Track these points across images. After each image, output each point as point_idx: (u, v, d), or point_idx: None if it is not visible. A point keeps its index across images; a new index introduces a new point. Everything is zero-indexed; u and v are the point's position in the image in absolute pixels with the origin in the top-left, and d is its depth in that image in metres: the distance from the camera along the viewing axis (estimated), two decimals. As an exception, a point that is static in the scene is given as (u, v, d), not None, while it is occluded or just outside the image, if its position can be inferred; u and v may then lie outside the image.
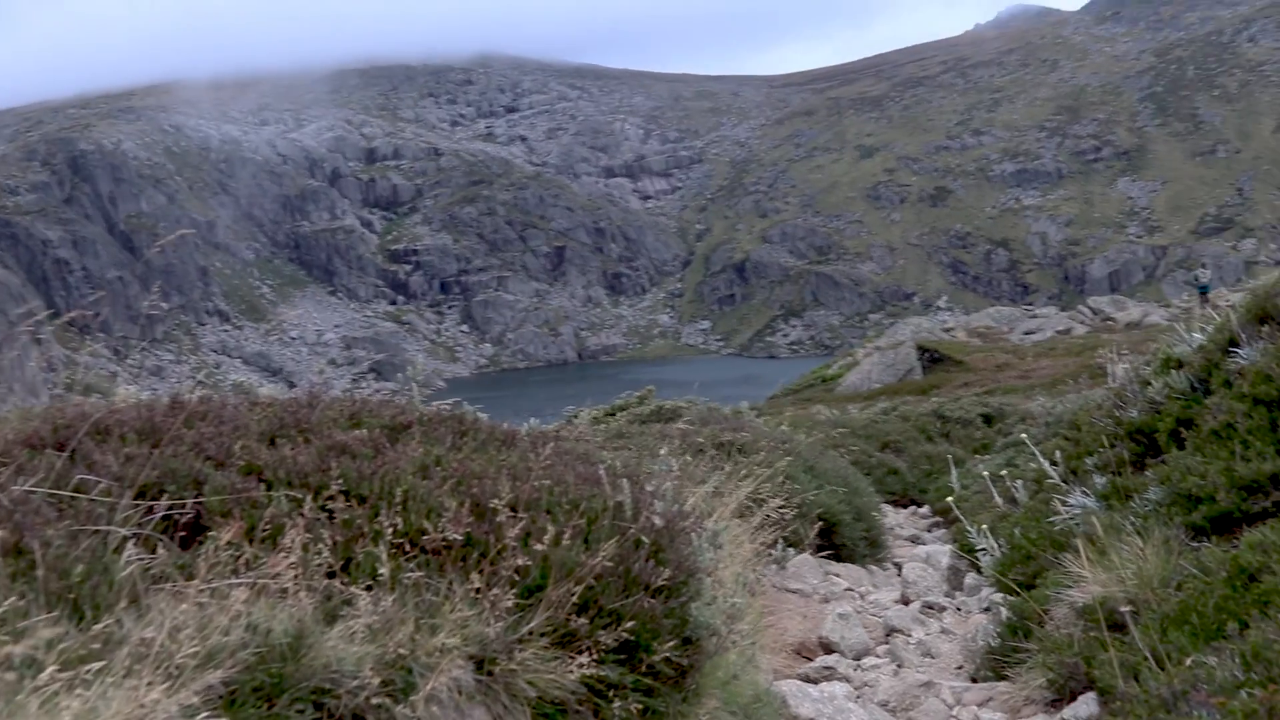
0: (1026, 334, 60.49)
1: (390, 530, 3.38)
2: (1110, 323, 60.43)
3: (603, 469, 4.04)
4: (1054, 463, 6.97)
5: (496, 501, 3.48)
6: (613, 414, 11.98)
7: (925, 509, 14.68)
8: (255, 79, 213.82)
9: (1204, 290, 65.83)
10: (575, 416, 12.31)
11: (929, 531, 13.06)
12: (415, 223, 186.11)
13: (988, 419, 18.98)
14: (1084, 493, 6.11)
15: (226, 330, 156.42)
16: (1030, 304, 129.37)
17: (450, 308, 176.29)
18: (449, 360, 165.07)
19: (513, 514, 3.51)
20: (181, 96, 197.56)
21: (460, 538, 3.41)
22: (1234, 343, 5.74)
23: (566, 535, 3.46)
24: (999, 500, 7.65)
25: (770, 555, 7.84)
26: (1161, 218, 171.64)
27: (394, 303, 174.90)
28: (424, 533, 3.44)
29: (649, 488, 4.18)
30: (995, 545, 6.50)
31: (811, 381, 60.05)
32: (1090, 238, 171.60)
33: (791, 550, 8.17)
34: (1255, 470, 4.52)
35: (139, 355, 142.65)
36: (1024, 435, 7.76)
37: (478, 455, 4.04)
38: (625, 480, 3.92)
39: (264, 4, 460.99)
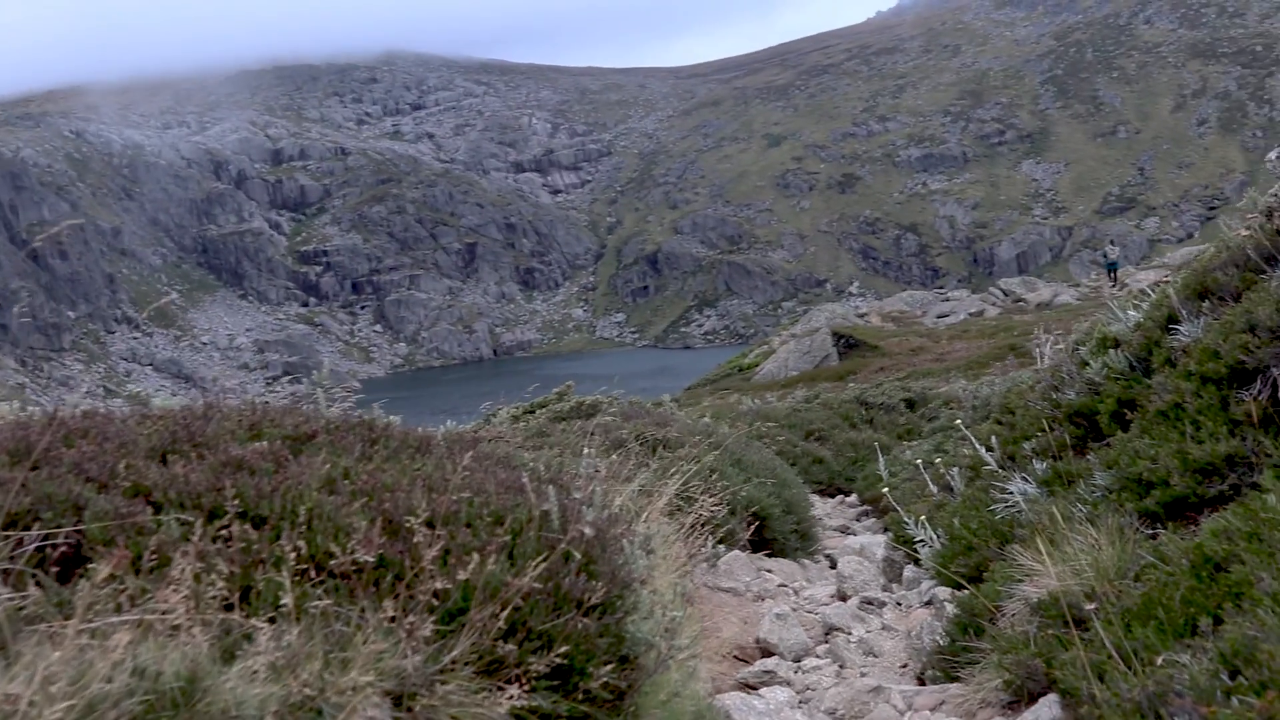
0: (940, 317, 60.97)
1: (293, 554, 3.00)
2: (1022, 304, 61.13)
3: (525, 476, 3.71)
4: (989, 448, 6.75)
5: (411, 519, 3.14)
6: (532, 411, 11.61)
7: (853, 498, 14.43)
8: (157, 82, 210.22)
9: (1113, 267, 66.83)
10: (493, 415, 11.94)
11: (858, 521, 12.81)
12: (324, 223, 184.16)
13: (910, 404, 18.84)
14: (1024, 479, 5.88)
15: (136, 338, 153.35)
16: (941, 287, 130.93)
17: (363, 308, 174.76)
18: (364, 361, 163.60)
19: (430, 530, 3.16)
20: (82, 102, 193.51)
21: (372, 560, 3.03)
22: (1173, 319, 5.55)
23: (490, 552, 3.13)
24: (933, 488, 7.42)
25: (702, 554, 7.58)
26: (1066, 199, 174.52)
27: (306, 304, 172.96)
28: (332, 555, 3.05)
29: (576, 494, 3.85)
30: (934, 536, 6.26)
31: (728, 371, 60.14)
32: (997, 220, 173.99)
33: (722, 547, 7.91)
34: (1209, 452, 4.31)
35: (47, 365, 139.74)
36: (958, 420, 7.53)
37: (390, 465, 3.67)
38: (551, 487, 3.60)
39: (162, 7, 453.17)
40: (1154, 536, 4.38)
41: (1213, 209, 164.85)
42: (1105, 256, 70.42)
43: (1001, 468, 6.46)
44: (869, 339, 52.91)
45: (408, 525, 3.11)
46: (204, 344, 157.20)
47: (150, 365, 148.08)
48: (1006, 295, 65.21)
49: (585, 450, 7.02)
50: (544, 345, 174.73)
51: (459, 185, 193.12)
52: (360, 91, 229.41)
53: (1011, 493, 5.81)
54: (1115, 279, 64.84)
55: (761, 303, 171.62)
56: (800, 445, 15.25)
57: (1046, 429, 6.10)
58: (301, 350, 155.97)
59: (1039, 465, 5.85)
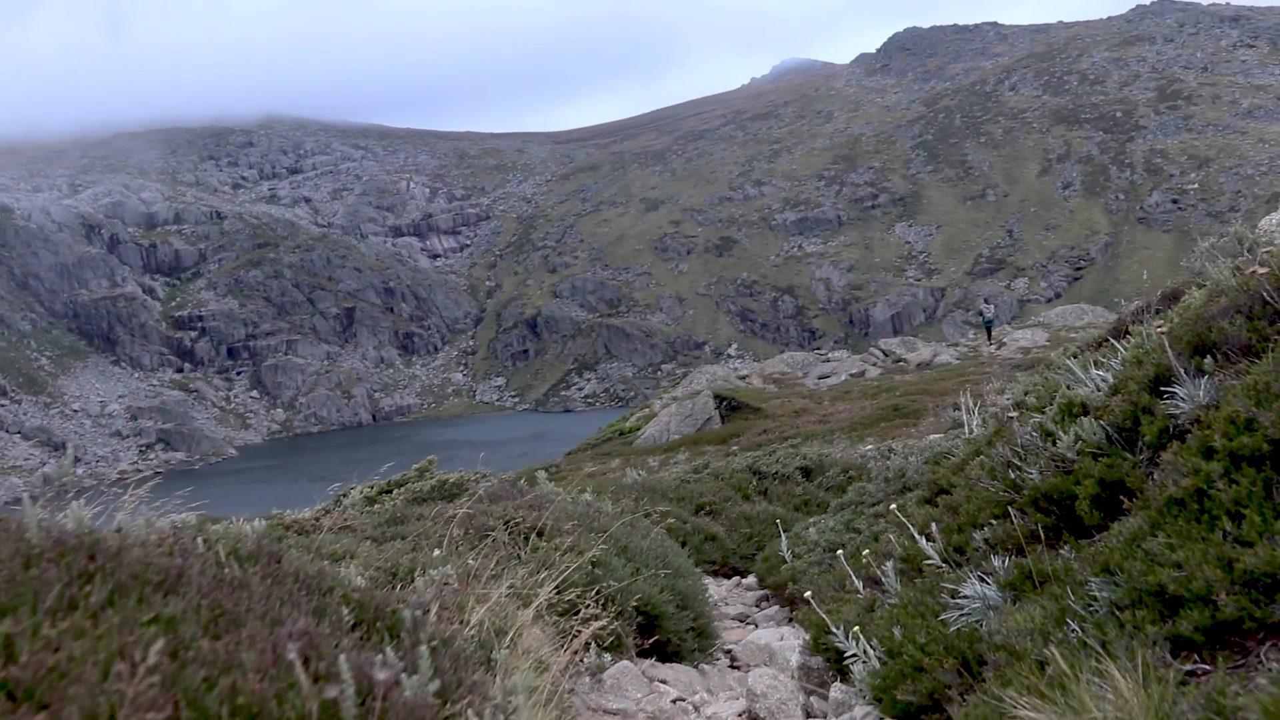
0: (821, 378, 60.50)
1: None
2: (902, 364, 60.96)
3: (295, 650, 2.39)
4: (929, 537, 5.59)
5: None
6: (389, 490, 10.25)
7: (750, 579, 13.00)
8: (25, 145, 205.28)
9: (989, 325, 67.36)
10: (344, 496, 10.56)
11: (758, 607, 11.38)
12: (200, 288, 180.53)
13: (807, 472, 17.68)
14: (982, 579, 4.72)
15: (4, 405, 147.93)
16: (819, 348, 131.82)
17: (239, 373, 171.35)
18: (240, 427, 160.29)
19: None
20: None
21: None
22: (1163, 379, 4.47)
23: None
24: (856, 583, 6.22)
25: (583, 667, 6.32)
26: (938, 260, 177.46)
27: (180, 370, 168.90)
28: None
29: (381, 673, 2.51)
30: (870, 651, 5.07)
31: (610, 435, 59.01)
32: (872, 282, 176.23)
33: (608, 657, 6.65)
34: (1267, 559, 3.18)
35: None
36: (893, 506, 6.29)
37: (99, 623, 2.38)
38: (343, 657, 2.31)
39: (32, 69, 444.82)
40: (1193, 674, 3.26)
41: (1079, 269, 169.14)
42: (981, 315, 71.10)
43: (947, 562, 5.29)
44: (751, 401, 52.14)
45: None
46: (75, 411, 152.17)
47: (19, 434, 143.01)
48: (887, 355, 65.06)
49: (436, 551, 5.74)
50: (424, 410, 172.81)
51: (336, 249, 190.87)
52: (236, 155, 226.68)
53: (968, 597, 4.65)
54: (991, 337, 65.32)
55: (641, 365, 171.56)
56: (690, 521, 13.89)
57: (1004, 516, 4.96)
58: (176, 417, 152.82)
59: (999, 562, 4.66)
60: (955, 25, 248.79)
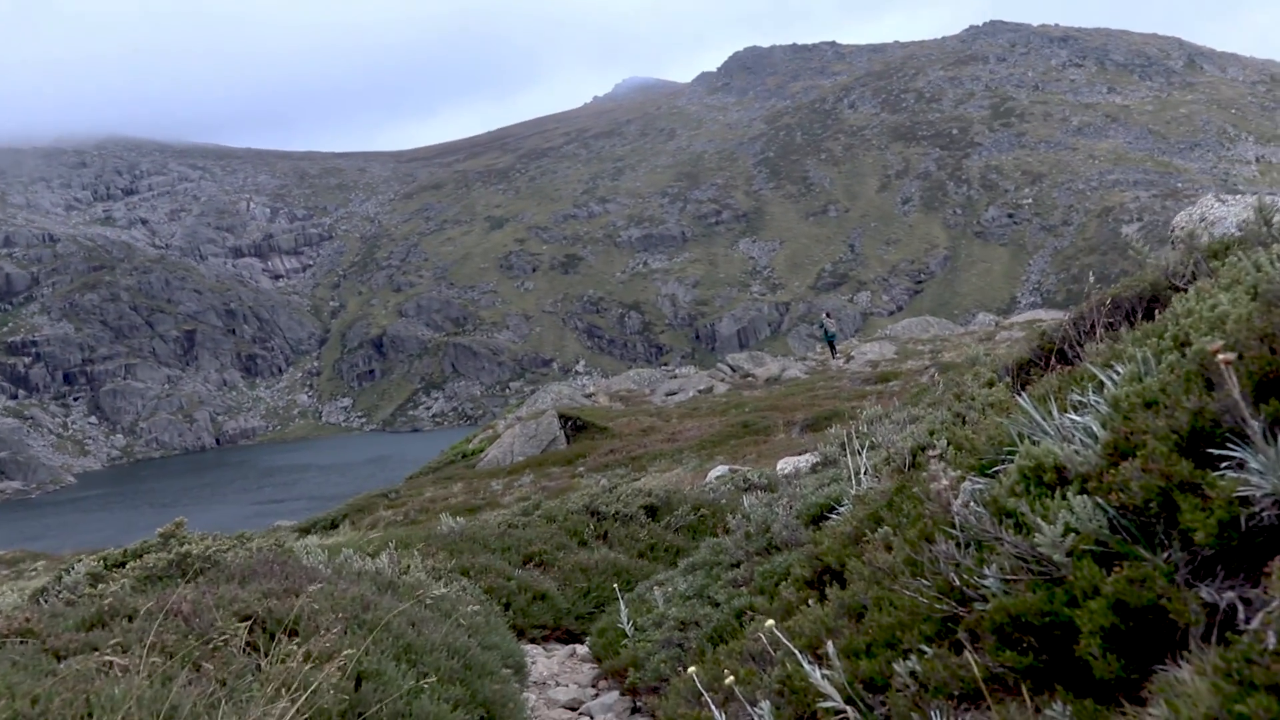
0: (669, 395, 59.08)
1: None
2: (750, 379, 59.88)
3: None
4: (822, 658, 3.70)
5: None
6: (124, 563, 8.17)
7: (585, 647, 10.89)
8: None
9: (831, 338, 66.73)
10: (68, 571, 8.45)
11: (594, 688, 9.16)
12: (33, 313, 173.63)
13: (652, 511, 15.76)
14: (914, 749, 2.91)
15: None
16: (666, 364, 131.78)
17: (76, 399, 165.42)
18: (79, 454, 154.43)
19: None
20: None
21: None
22: (1204, 436, 2.76)
23: None
24: (717, 715, 4.33)
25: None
26: (782, 275, 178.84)
27: (14, 397, 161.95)
28: None
29: None
30: None
31: (452, 458, 56.76)
32: (717, 297, 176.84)
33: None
34: None
35: None
36: (769, 623, 4.27)
37: None
38: None
39: None
40: None
41: (920, 282, 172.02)
42: (823, 328, 70.66)
43: (853, 704, 3.45)
44: (598, 420, 50.47)
45: None
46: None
47: None
48: (735, 371, 63.91)
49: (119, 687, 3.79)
50: (269, 433, 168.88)
51: (175, 271, 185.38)
52: (69, 176, 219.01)
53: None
54: (835, 350, 64.70)
55: (489, 383, 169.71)
56: (516, 577, 11.72)
57: (948, 637, 3.16)
58: (10, 445, 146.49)
59: (942, 722, 2.86)
60: (794, 45, 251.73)
